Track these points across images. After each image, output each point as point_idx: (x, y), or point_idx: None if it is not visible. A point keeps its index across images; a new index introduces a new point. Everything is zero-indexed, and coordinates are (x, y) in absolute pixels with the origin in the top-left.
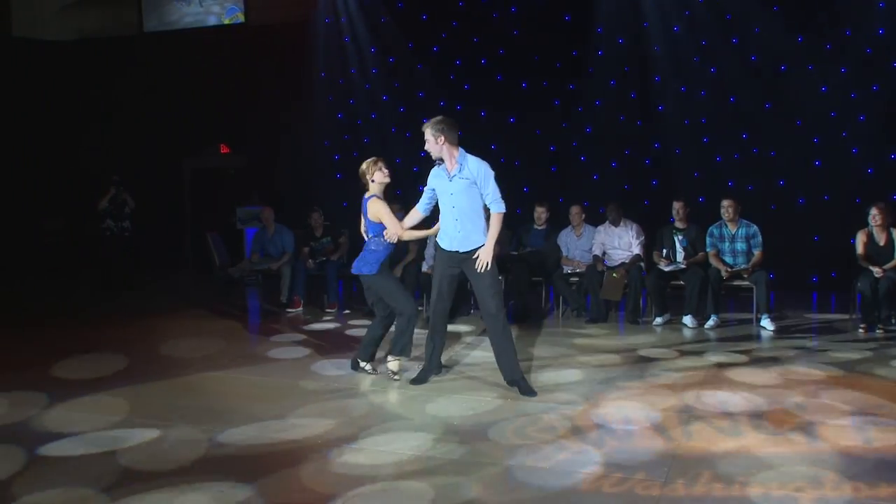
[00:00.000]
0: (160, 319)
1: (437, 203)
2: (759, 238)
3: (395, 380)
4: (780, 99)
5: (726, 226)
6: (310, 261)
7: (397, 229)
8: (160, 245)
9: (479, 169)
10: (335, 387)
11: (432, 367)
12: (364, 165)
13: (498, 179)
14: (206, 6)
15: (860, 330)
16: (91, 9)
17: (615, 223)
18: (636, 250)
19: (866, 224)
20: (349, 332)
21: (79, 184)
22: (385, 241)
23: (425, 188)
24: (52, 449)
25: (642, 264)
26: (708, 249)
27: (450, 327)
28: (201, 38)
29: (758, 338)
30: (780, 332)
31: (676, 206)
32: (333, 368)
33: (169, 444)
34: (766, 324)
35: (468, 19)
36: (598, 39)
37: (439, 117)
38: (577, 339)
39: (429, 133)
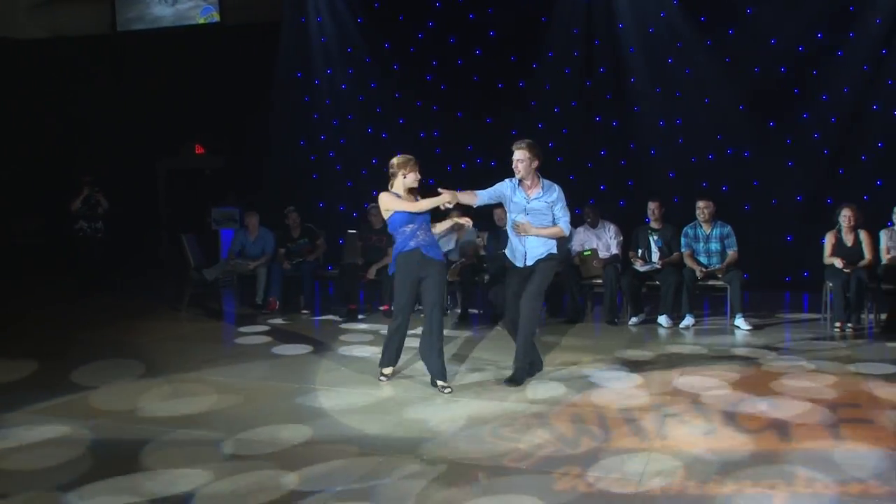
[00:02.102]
0: (133, 321)
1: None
2: (733, 238)
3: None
4: (753, 100)
5: (701, 226)
6: (286, 262)
7: (444, 198)
8: (135, 246)
9: (559, 195)
10: (309, 387)
11: (524, 366)
12: (395, 161)
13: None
14: (180, 5)
15: (835, 329)
16: (63, 7)
17: (593, 225)
18: (614, 250)
19: (836, 225)
20: (324, 332)
21: (52, 184)
22: (398, 238)
23: (495, 189)
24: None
25: (619, 265)
26: (683, 249)
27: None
28: (176, 37)
29: (732, 337)
30: (754, 332)
31: (652, 206)
32: (308, 368)
33: (143, 447)
34: (740, 323)
35: (445, 20)
36: (574, 41)
37: (532, 141)
38: (553, 338)
39: (526, 154)
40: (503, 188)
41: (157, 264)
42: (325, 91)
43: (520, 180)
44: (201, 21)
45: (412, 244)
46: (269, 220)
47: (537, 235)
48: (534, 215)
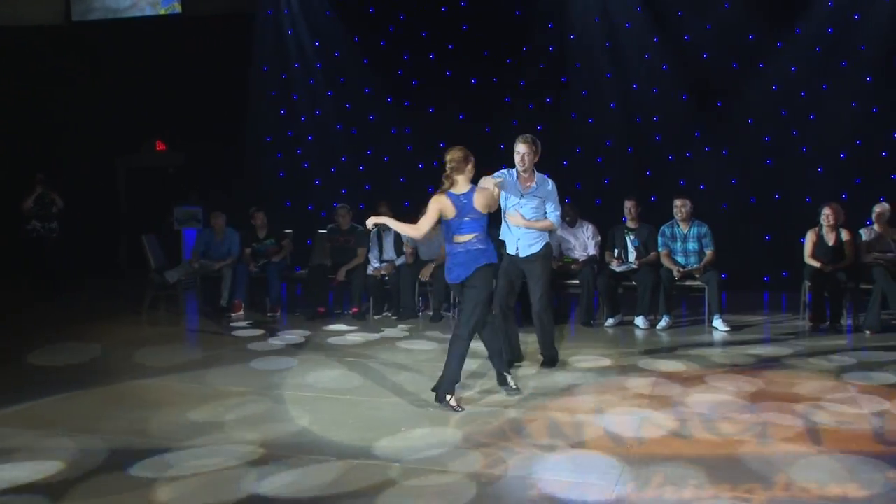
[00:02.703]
0: (90, 325)
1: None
2: (711, 237)
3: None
4: (731, 97)
5: (678, 225)
6: (251, 263)
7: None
8: (93, 248)
9: (552, 189)
10: (276, 393)
11: (513, 357)
12: (460, 154)
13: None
14: None
15: (812, 329)
16: None
17: (572, 223)
18: (591, 251)
19: (816, 224)
20: (292, 336)
21: (2, 182)
22: (489, 242)
23: (500, 174)
24: None
25: (595, 266)
26: (660, 249)
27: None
28: (135, 28)
29: (710, 338)
30: (732, 333)
31: (628, 205)
32: (275, 374)
33: (99, 457)
34: (718, 324)
35: (416, 13)
36: (548, 35)
37: (534, 136)
38: (528, 341)
39: (531, 148)
40: (504, 177)
41: (116, 266)
42: (292, 86)
43: (518, 172)
44: (162, 12)
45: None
46: (235, 220)
47: (528, 227)
48: (527, 207)
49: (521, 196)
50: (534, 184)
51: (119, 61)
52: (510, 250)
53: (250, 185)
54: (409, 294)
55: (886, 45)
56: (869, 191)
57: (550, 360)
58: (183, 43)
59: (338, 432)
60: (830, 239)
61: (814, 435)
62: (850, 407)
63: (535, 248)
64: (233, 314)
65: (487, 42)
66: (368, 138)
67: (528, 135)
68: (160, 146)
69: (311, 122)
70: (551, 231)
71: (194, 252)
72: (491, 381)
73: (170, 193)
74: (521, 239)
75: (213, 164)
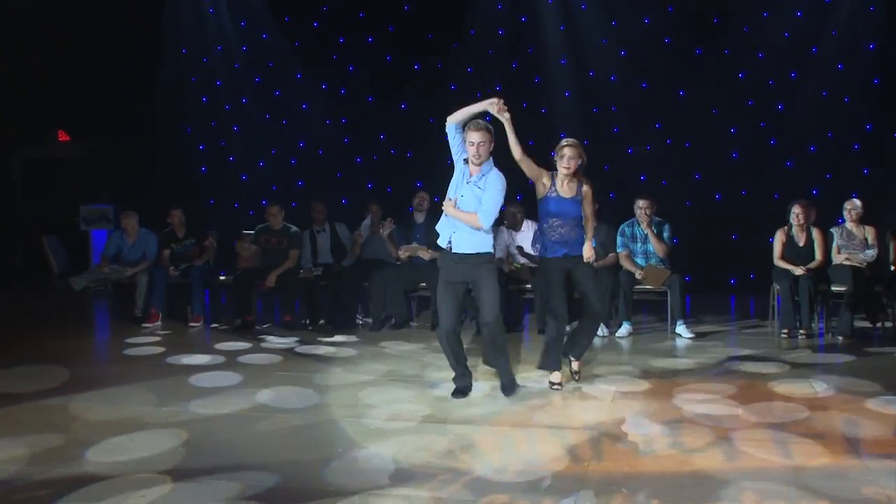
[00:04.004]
0: None
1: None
2: (670, 233)
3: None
4: (694, 85)
5: (639, 224)
6: (171, 268)
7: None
8: None
9: (495, 184)
10: (199, 412)
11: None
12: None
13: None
14: None
15: (781, 335)
16: None
17: (514, 227)
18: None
19: (786, 223)
20: (218, 347)
21: None
22: None
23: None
24: None
25: None
26: (619, 250)
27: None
28: (33, 3)
29: (673, 346)
30: (697, 340)
31: None
32: (198, 390)
33: None
34: (682, 331)
35: None
36: (498, 17)
37: (485, 122)
38: (478, 350)
39: (486, 136)
40: (458, 161)
41: (12, 272)
42: (215, 71)
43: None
44: None
45: None
46: (150, 221)
47: (454, 216)
48: (465, 199)
49: (466, 183)
50: (480, 174)
51: (13, 41)
52: (442, 242)
53: (168, 180)
54: (349, 301)
55: (859, 30)
56: (841, 186)
57: (512, 385)
58: (90, 21)
59: (267, 455)
60: (801, 239)
61: (784, 447)
62: (821, 417)
63: (475, 247)
64: (149, 324)
65: (431, 24)
66: (301, 129)
67: (479, 121)
68: (63, 136)
69: (237, 110)
70: (476, 227)
71: (104, 256)
72: (439, 395)
73: (75, 190)
74: (456, 232)
75: (124, 157)
